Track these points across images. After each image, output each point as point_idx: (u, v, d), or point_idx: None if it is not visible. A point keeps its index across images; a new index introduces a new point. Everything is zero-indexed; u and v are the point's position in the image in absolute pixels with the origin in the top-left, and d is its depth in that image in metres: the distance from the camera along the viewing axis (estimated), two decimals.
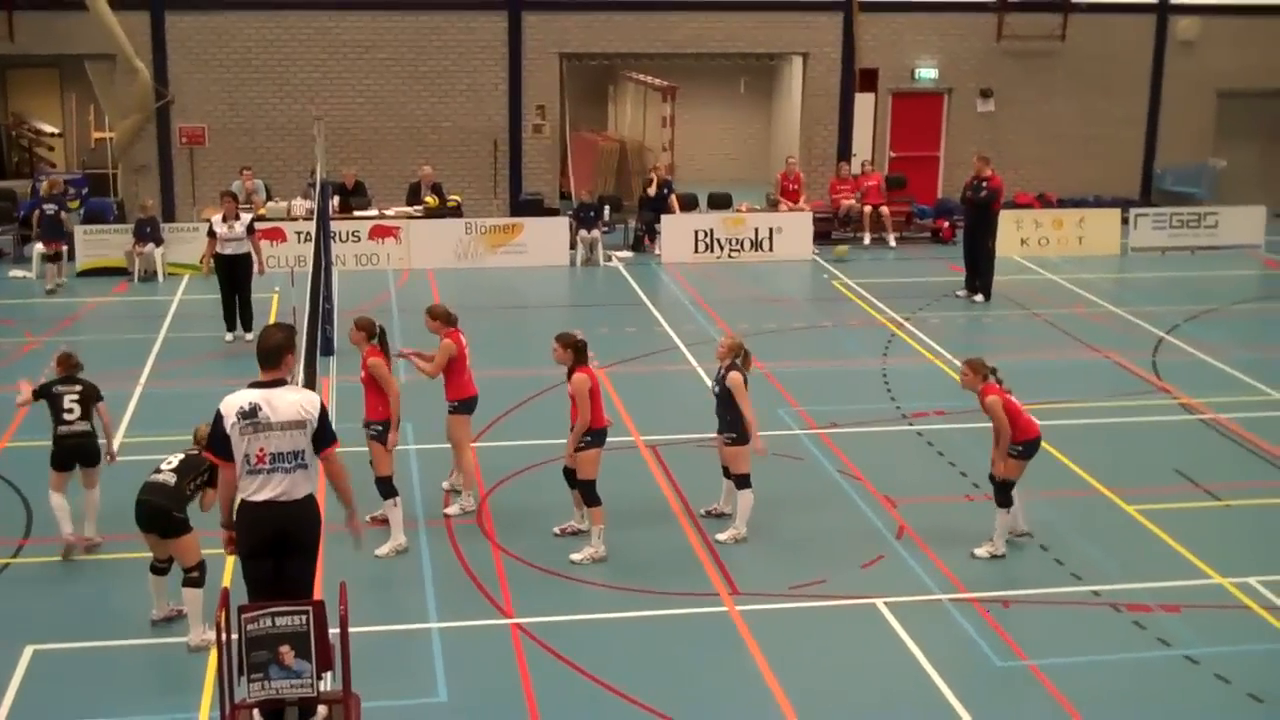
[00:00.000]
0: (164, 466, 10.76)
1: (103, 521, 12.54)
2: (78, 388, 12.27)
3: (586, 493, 12.45)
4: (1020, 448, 12.33)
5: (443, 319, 13.32)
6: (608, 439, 12.56)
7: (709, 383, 13.11)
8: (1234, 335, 20.46)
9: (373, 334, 12.54)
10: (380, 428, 12.46)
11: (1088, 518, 13.54)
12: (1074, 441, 15.40)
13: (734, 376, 12.60)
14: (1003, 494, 12.46)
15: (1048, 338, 20.42)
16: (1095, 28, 29.79)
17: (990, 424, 12.36)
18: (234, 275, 19.46)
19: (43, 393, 12.31)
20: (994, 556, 12.49)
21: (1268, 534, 13.43)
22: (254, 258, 19.58)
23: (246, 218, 19.86)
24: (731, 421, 12.71)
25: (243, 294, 19.52)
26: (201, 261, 20.57)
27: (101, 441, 12.40)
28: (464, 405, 13.38)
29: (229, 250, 19.34)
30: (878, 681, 10.47)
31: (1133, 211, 27.43)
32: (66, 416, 12.14)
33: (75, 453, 12.22)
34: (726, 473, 13.11)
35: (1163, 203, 29.33)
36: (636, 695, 10.10)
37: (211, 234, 19.45)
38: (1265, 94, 30.78)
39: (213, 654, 10.23)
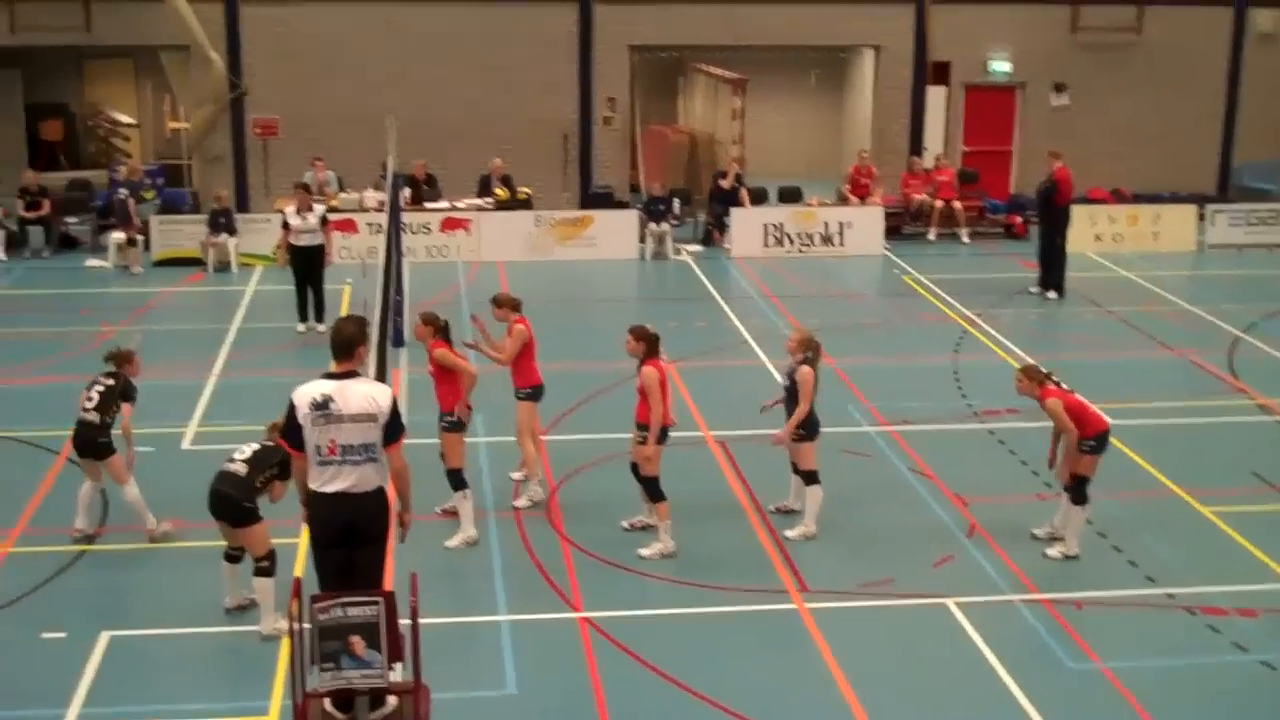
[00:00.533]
0: (237, 456, 10.85)
1: (179, 508, 12.67)
2: (109, 381, 12.37)
3: (650, 489, 12.45)
4: (1092, 442, 12.21)
5: (510, 306, 13.37)
6: (671, 435, 12.54)
7: (779, 378, 13.05)
8: None
9: (438, 327, 12.60)
10: (453, 419, 12.51)
11: (1162, 519, 13.39)
12: (1148, 442, 15.22)
13: (805, 371, 12.55)
14: (1078, 491, 12.33)
15: (1122, 336, 20.19)
16: (1172, 20, 29.38)
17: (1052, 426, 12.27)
18: (307, 266, 19.60)
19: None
20: (1067, 557, 12.37)
21: None
22: (326, 249, 19.70)
23: (320, 209, 19.99)
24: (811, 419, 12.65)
25: (315, 285, 19.64)
26: (275, 252, 20.72)
27: (116, 434, 12.35)
28: (534, 393, 13.42)
29: (302, 241, 19.48)
30: (948, 682, 10.40)
31: (1209, 208, 27.06)
32: (85, 404, 12.25)
33: (78, 440, 12.32)
34: (795, 468, 13.07)
35: (1240, 199, 28.87)
36: (704, 691, 10.09)
37: (285, 225, 19.59)
38: None
39: (285, 643, 10.32)
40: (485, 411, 14.76)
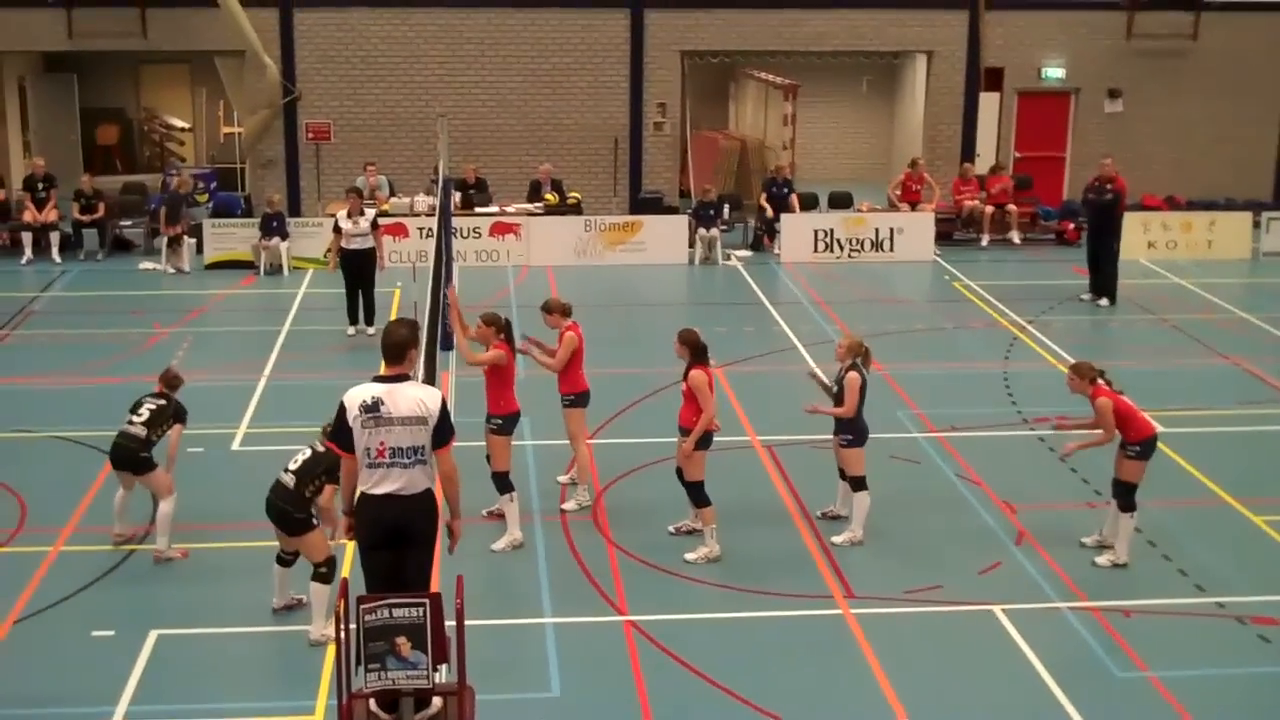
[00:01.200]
0: (290, 466, 10.89)
1: (229, 508, 12.77)
2: (161, 401, 12.35)
3: (694, 494, 12.44)
4: (1138, 448, 12.13)
5: (561, 312, 13.40)
6: (717, 440, 12.53)
7: (827, 382, 13.02)
8: None
9: (500, 328, 12.65)
10: (500, 421, 12.56)
11: (1213, 528, 13.26)
12: (1200, 450, 15.08)
13: (852, 377, 12.52)
14: (1126, 498, 12.24)
15: (1175, 343, 20.02)
16: (1228, 26, 29.13)
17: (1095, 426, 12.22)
18: (358, 270, 19.69)
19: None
20: (1115, 565, 12.28)
21: None
22: (377, 253, 19.81)
23: (370, 213, 20.08)
24: (847, 423, 12.62)
25: (366, 289, 19.74)
26: (326, 256, 20.84)
27: (145, 456, 12.19)
28: (580, 399, 13.45)
29: (354, 245, 19.56)
30: (994, 689, 10.34)
31: (1265, 215, 26.76)
32: (132, 418, 12.20)
33: (117, 452, 12.22)
34: (842, 474, 13.03)
35: None
36: (749, 695, 10.07)
37: (337, 229, 19.69)
38: None
39: (331, 644, 10.38)
40: (532, 414, 14.79)
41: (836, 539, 12.72)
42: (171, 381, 12.59)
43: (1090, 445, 12.30)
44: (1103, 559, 12.37)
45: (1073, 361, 13.07)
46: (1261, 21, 29.28)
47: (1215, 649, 10.98)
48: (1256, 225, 26.49)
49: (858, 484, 12.73)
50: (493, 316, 12.79)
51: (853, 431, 12.63)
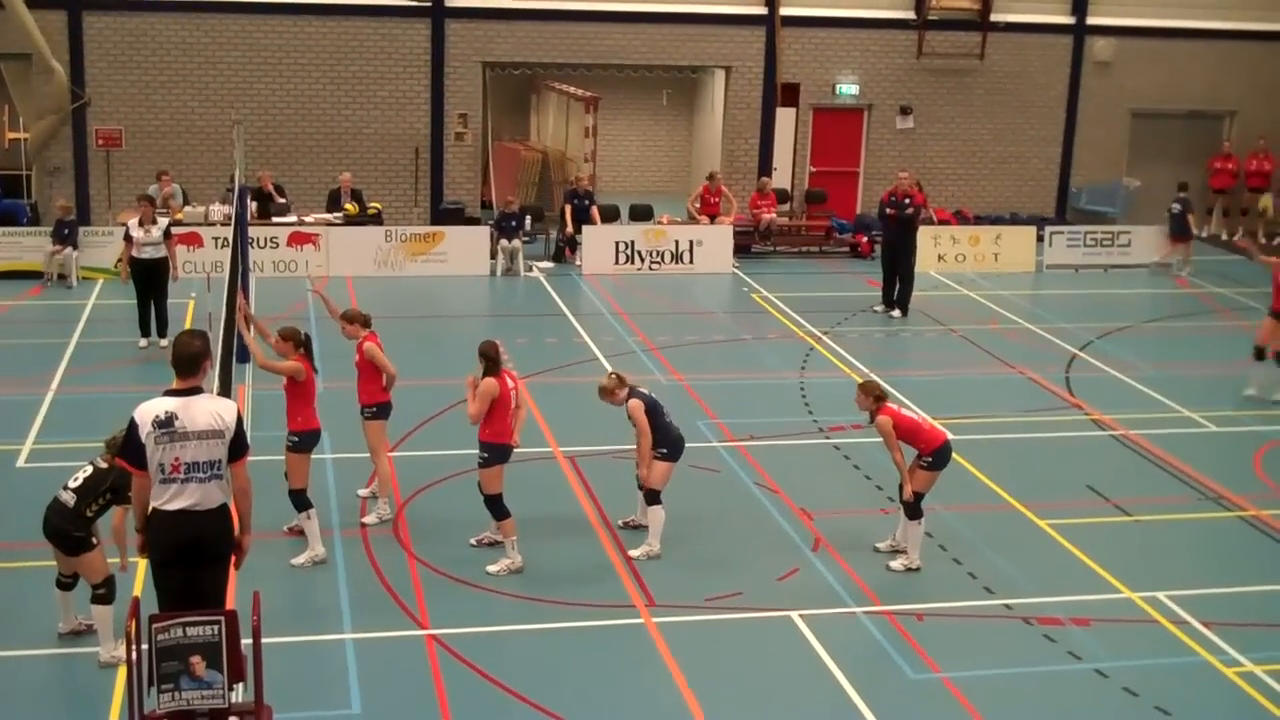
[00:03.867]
0: (70, 484, 10.46)
1: (12, 529, 12.34)
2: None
3: (492, 507, 12.41)
4: (930, 459, 12.51)
5: (361, 322, 13.29)
6: (519, 452, 12.53)
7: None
8: (1145, 353, 20.79)
9: (299, 343, 12.47)
10: (299, 438, 12.38)
11: (1000, 532, 13.70)
12: (987, 456, 15.58)
13: (633, 404, 12.56)
14: (913, 507, 12.60)
15: (963, 353, 20.63)
16: (1013, 47, 30.17)
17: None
18: (150, 280, 19.23)
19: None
20: (909, 569, 12.62)
21: (1176, 549, 13.67)
22: (170, 263, 19.36)
23: (163, 222, 19.62)
24: (660, 439, 12.68)
25: (159, 299, 19.29)
26: (117, 266, 20.30)
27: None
28: (381, 410, 13.33)
29: (145, 255, 19.10)
30: (792, 693, 10.53)
31: (1048, 229, 27.82)
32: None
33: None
34: (640, 485, 13.11)
35: (1078, 221, 29.80)
36: (552, 707, 10.09)
37: (128, 238, 19.19)
38: (1177, 115, 31.37)
39: (122, 665, 10.10)
40: (331, 428, 14.60)
41: (633, 552, 12.77)
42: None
43: (905, 468, 12.58)
44: (896, 563, 12.70)
45: (861, 380, 13.38)
46: (1046, 42, 30.36)
47: (1004, 649, 11.35)
48: (1040, 239, 27.47)
49: (651, 498, 12.81)
50: (291, 331, 12.60)
51: (666, 445, 12.71)
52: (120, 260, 19.98)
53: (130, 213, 21.52)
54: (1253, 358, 18.43)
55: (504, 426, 12.25)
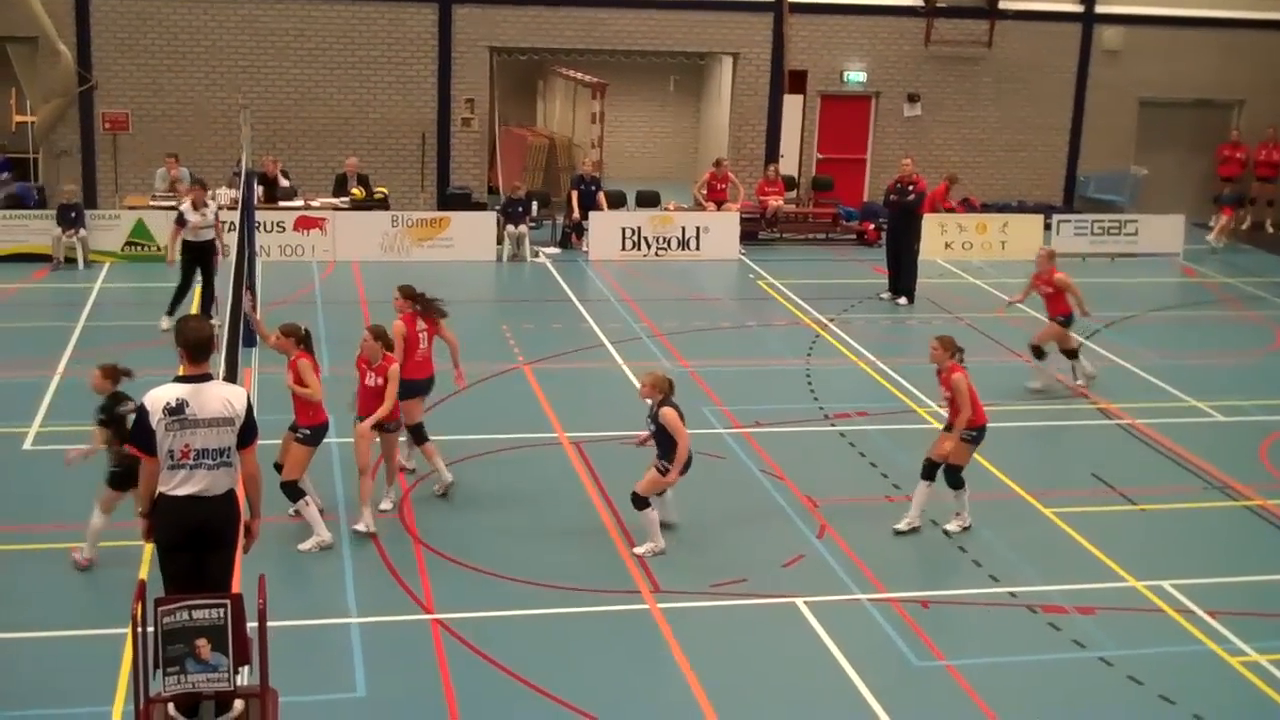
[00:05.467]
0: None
1: (21, 510, 12.33)
2: (130, 403, 11.07)
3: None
4: (975, 433, 12.90)
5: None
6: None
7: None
8: (1151, 342, 20.76)
9: (299, 339, 12.44)
10: (308, 432, 12.36)
11: (1006, 520, 13.69)
12: (993, 445, 15.47)
13: (666, 412, 12.41)
14: (954, 476, 13.00)
15: (969, 341, 20.43)
16: (1022, 35, 30.11)
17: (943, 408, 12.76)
18: (203, 261, 19.55)
19: (109, 420, 11.48)
20: (964, 529, 13.11)
21: (1181, 538, 13.66)
22: (218, 243, 19.64)
23: (213, 205, 19.86)
24: (664, 453, 12.52)
25: (208, 279, 19.65)
26: (167, 248, 20.23)
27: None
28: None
29: (201, 237, 19.39)
30: (797, 680, 10.53)
31: (1055, 217, 27.75)
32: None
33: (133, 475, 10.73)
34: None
35: (1085, 209, 29.74)
36: (557, 692, 10.10)
37: (181, 221, 19.31)
38: (1185, 104, 31.31)
39: (128, 648, 10.12)
40: (335, 413, 14.59)
41: (637, 550, 12.62)
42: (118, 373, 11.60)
43: (957, 430, 12.90)
44: (952, 525, 13.12)
45: (937, 336, 13.40)
46: (1054, 31, 30.30)
47: (1008, 637, 11.35)
48: (1047, 227, 27.40)
49: (639, 502, 12.61)
50: (291, 328, 12.52)
51: (669, 458, 12.49)
52: (170, 243, 19.90)
53: (137, 196, 21.59)
54: (1032, 356, 18.30)
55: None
